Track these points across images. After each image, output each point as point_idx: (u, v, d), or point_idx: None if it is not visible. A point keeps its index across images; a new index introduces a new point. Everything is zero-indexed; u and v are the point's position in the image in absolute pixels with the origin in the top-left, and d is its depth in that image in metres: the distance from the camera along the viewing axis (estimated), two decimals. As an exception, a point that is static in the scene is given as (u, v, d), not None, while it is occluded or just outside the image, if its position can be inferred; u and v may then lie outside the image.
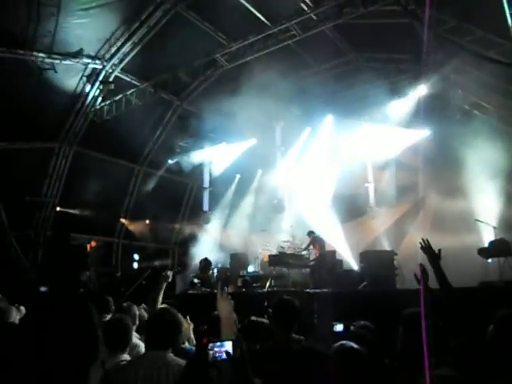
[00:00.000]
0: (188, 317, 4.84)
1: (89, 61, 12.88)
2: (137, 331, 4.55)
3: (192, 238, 16.13)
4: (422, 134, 13.24)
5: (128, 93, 13.70)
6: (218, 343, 1.88)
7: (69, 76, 12.93)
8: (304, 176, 15.16)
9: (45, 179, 14.28)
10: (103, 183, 14.49)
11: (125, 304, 5.29)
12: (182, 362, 2.86)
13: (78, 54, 12.40)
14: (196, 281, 12.45)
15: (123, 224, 16.30)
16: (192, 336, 4.47)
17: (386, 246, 12.52)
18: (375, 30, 10.89)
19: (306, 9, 10.71)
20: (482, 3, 8.52)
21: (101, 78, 13.38)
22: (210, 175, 16.95)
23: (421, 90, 12.24)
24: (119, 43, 12.72)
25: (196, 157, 16.61)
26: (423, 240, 3.60)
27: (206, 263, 12.96)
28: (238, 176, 17.03)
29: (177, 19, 11.95)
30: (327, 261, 11.52)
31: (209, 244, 15.41)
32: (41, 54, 11.73)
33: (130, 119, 14.17)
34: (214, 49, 12.61)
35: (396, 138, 13.56)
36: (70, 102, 13.66)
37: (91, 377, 1.51)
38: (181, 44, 11.99)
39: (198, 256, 14.21)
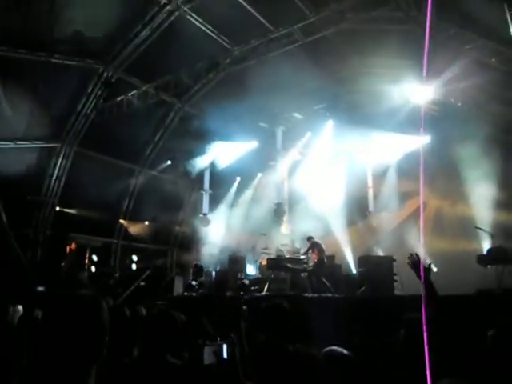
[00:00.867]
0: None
1: (91, 61, 12.91)
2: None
3: (191, 241, 16.11)
4: (421, 140, 13.22)
5: (130, 94, 13.73)
6: (213, 345, 1.88)
7: (70, 75, 12.95)
8: (304, 181, 15.17)
9: (45, 179, 14.29)
10: (103, 184, 14.49)
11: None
12: (179, 363, 2.86)
13: (80, 54, 12.43)
14: (194, 283, 12.46)
15: (122, 225, 16.30)
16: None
17: (385, 251, 12.50)
18: (377, 36, 10.92)
19: (308, 14, 10.75)
20: (483, 11, 8.55)
21: (103, 78, 13.41)
22: (211, 178, 16.93)
23: (421, 96, 12.23)
24: (122, 44, 12.76)
25: (197, 159, 16.62)
26: (411, 255, 3.50)
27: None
28: (238, 179, 17.02)
29: (180, 22, 11.98)
30: (326, 265, 11.50)
31: (208, 246, 15.40)
32: (42, 53, 11.75)
33: (132, 121, 14.20)
34: (217, 52, 12.65)
35: (396, 145, 13.58)
36: (71, 102, 13.68)
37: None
38: (183, 47, 12.03)
39: (197, 258, 14.23)
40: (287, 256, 12.53)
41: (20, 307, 4.92)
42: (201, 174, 17.45)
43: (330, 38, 11.61)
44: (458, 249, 10.95)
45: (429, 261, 3.61)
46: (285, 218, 15.23)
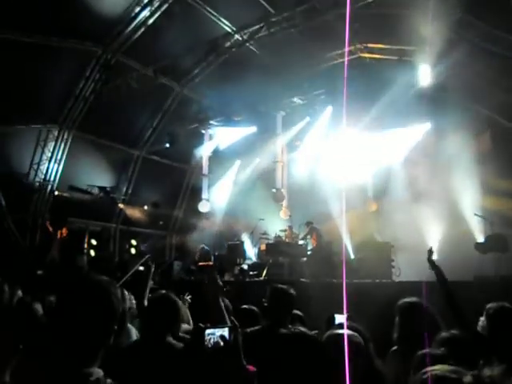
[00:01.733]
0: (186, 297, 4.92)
1: (89, 44, 12.78)
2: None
3: (191, 225, 16.18)
4: (422, 127, 13.24)
5: (128, 77, 13.63)
6: (215, 329, 1.91)
7: (68, 58, 12.84)
8: (304, 166, 15.18)
9: (43, 163, 14.27)
10: (101, 168, 14.49)
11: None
12: (181, 345, 2.90)
13: (78, 37, 12.29)
14: (193, 267, 12.55)
15: (121, 209, 16.33)
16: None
17: (383, 237, 12.57)
18: (380, 20, 10.82)
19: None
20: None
21: (101, 61, 13.30)
22: (210, 162, 16.92)
23: (423, 82, 12.16)
24: (121, 27, 12.62)
25: (196, 143, 16.58)
26: (431, 249, 3.68)
27: (204, 251, 13.03)
28: (237, 163, 17.00)
29: (180, 3, 11.83)
30: (324, 251, 11.58)
31: (207, 231, 15.47)
32: (39, 36, 11.61)
33: (131, 105, 14.12)
34: (217, 35, 12.52)
35: (398, 135, 13.60)
36: (69, 85, 13.58)
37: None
38: (183, 29, 11.92)
39: (196, 243, 14.29)
40: (286, 241, 12.60)
41: (19, 291, 4.97)
42: (200, 159, 17.42)
43: (332, 21, 11.49)
44: (455, 235, 11.01)
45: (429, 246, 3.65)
46: (284, 204, 15.26)
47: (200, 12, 12.11)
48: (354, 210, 14.06)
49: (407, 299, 3.38)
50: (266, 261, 11.87)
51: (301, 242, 12.60)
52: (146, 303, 4.04)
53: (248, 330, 3.26)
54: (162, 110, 15.86)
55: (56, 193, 14.43)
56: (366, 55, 13.04)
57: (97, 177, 14.67)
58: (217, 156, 16.77)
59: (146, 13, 12.20)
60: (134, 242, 15.66)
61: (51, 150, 14.27)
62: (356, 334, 2.79)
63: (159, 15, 12.20)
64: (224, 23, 12.56)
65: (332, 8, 10.44)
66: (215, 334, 1.88)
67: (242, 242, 13.71)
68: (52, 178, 14.42)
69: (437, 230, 11.82)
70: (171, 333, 3.05)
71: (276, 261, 11.72)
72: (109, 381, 1.60)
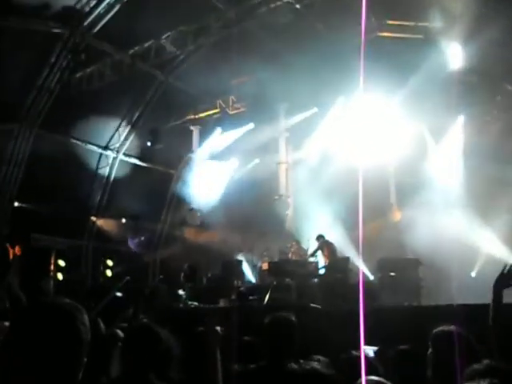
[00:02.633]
0: None
1: (54, 25, 12.80)
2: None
3: (178, 241, 16.13)
4: (454, 118, 13.27)
5: (102, 64, 13.64)
6: None
7: (30, 43, 12.85)
8: (312, 167, 15.15)
9: (0, 167, 14.25)
10: (70, 173, 14.46)
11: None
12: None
13: (40, 17, 12.32)
14: (181, 292, 12.48)
15: (94, 223, 16.28)
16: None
17: (410, 253, 12.53)
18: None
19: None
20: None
21: (69, 46, 13.31)
22: (200, 165, 16.90)
23: (453, 65, 12.19)
24: (92, 3, 12.64)
25: (183, 143, 16.59)
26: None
27: (190, 271, 12.97)
28: (233, 166, 16.98)
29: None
30: (338, 269, 11.54)
31: (198, 248, 15.42)
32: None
33: (105, 97, 14.13)
34: (207, 13, 12.54)
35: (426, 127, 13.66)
36: (31, 75, 13.59)
37: None
38: (167, 6, 11.93)
39: (184, 263, 14.23)
40: (292, 259, 12.55)
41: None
42: (188, 161, 17.40)
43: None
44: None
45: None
46: (289, 213, 15.23)
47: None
48: (374, 219, 14.06)
49: (442, 327, 3.34)
50: (269, 283, 11.82)
51: (311, 260, 12.55)
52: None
53: (250, 366, 3.25)
54: (143, 102, 15.89)
55: (16, 204, 14.39)
56: (386, 34, 13.08)
57: (65, 184, 14.62)
58: (209, 158, 16.78)
59: (121, -13, 12.26)
60: (109, 263, 15.59)
61: (10, 151, 14.23)
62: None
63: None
64: (215, -2, 12.60)
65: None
66: None
67: (240, 261, 13.66)
68: (11, 186, 14.37)
69: (480, 243, 11.75)
70: (155, 371, 3.03)
71: (281, 283, 11.65)
72: None
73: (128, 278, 12.61)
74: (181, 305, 11.47)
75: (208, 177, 16.91)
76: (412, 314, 7.83)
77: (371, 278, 12.29)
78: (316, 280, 11.94)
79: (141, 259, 17.17)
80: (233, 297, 11.89)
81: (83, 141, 15.26)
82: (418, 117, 13.52)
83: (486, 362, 2.76)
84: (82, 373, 1.64)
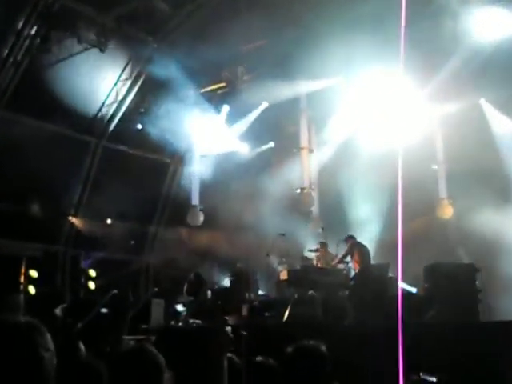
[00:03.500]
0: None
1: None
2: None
3: (175, 246, 16.14)
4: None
5: (79, 30, 13.62)
6: None
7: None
8: (341, 153, 15.07)
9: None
10: (43, 164, 14.43)
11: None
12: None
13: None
14: (181, 309, 12.48)
15: (73, 224, 16.32)
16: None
17: (464, 257, 12.45)
18: None
19: None
20: None
21: (39, 7, 13.31)
22: (203, 153, 16.91)
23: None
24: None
25: (181, 126, 16.54)
26: None
27: (197, 280, 12.96)
28: (242, 153, 16.94)
29: None
30: (374, 279, 11.45)
31: (200, 253, 15.43)
32: None
33: (84, 70, 14.11)
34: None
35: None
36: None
37: None
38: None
39: (183, 272, 14.24)
40: (318, 266, 12.48)
41: None
42: (187, 148, 17.39)
43: None
44: None
45: None
46: (313, 211, 15.17)
47: None
48: (419, 216, 13.95)
49: None
50: (289, 296, 11.78)
51: (340, 267, 12.49)
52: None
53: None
54: (132, 75, 15.85)
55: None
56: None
57: (36, 177, 14.64)
58: (212, 144, 16.77)
59: None
60: (92, 273, 15.65)
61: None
62: None
63: None
64: None
65: None
66: None
67: (253, 270, 13.63)
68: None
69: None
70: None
71: (303, 295, 11.61)
72: None
73: (115, 291, 12.72)
74: (180, 323, 11.46)
75: (212, 166, 16.89)
76: (468, 332, 7.73)
77: (413, 290, 12.21)
78: (346, 292, 11.86)
79: (131, 268, 17.22)
80: (244, 313, 11.88)
81: (58, 124, 15.24)
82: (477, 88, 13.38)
83: None
84: None
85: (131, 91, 16.10)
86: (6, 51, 13.77)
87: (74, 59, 13.92)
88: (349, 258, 12.24)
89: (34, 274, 14.75)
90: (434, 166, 14.59)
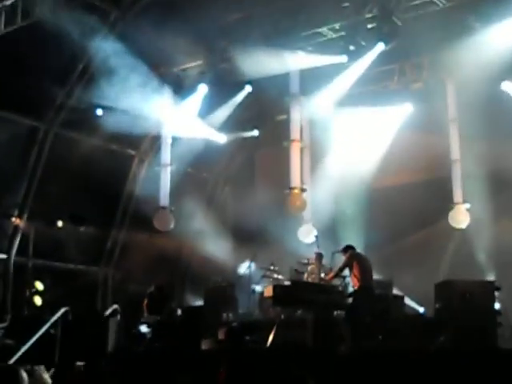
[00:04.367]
0: None
1: None
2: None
3: (140, 254, 16.15)
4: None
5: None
6: None
7: None
8: (339, 146, 15.16)
9: None
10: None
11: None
12: None
13: None
14: (145, 329, 12.48)
15: (16, 227, 16.26)
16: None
17: (481, 273, 12.57)
18: None
19: None
20: None
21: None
22: (173, 143, 16.91)
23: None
24: None
25: (149, 111, 16.53)
26: None
27: (159, 295, 12.97)
28: (220, 143, 16.96)
29: None
30: (375, 297, 11.53)
31: (169, 263, 15.45)
32: None
33: (33, 45, 14.07)
34: None
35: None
36: None
37: None
38: None
39: (149, 286, 14.25)
40: (309, 281, 12.54)
41: None
42: (155, 138, 17.39)
43: None
44: None
45: None
46: (305, 214, 15.24)
47: None
48: (429, 224, 14.08)
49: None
50: (274, 316, 11.81)
51: (336, 282, 12.54)
52: None
53: None
54: (89, 52, 15.78)
55: None
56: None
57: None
58: (185, 133, 16.77)
59: None
60: (39, 286, 15.60)
61: None
62: None
63: None
64: None
65: None
66: None
67: (232, 285, 13.68)
68: None
69: None
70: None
71: (292, 316, 11.67)
72: None
73: (67, 308, 12.71)
74: (142, 348, 11.48)
75: (184, 159, 16.91)
76: (485, 361, 7.81)
77: (421, 310, 12.31)
78: (343, 312, 11.92)
79: (86, 280, 17.18)
80: (221, 336, 11.90)
81: (1, 108, 15.18)
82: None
83: None
84: None
85: (88, 68, 16.04)
86: None
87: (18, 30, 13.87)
88: (346, 272, 12.28)
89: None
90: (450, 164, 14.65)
